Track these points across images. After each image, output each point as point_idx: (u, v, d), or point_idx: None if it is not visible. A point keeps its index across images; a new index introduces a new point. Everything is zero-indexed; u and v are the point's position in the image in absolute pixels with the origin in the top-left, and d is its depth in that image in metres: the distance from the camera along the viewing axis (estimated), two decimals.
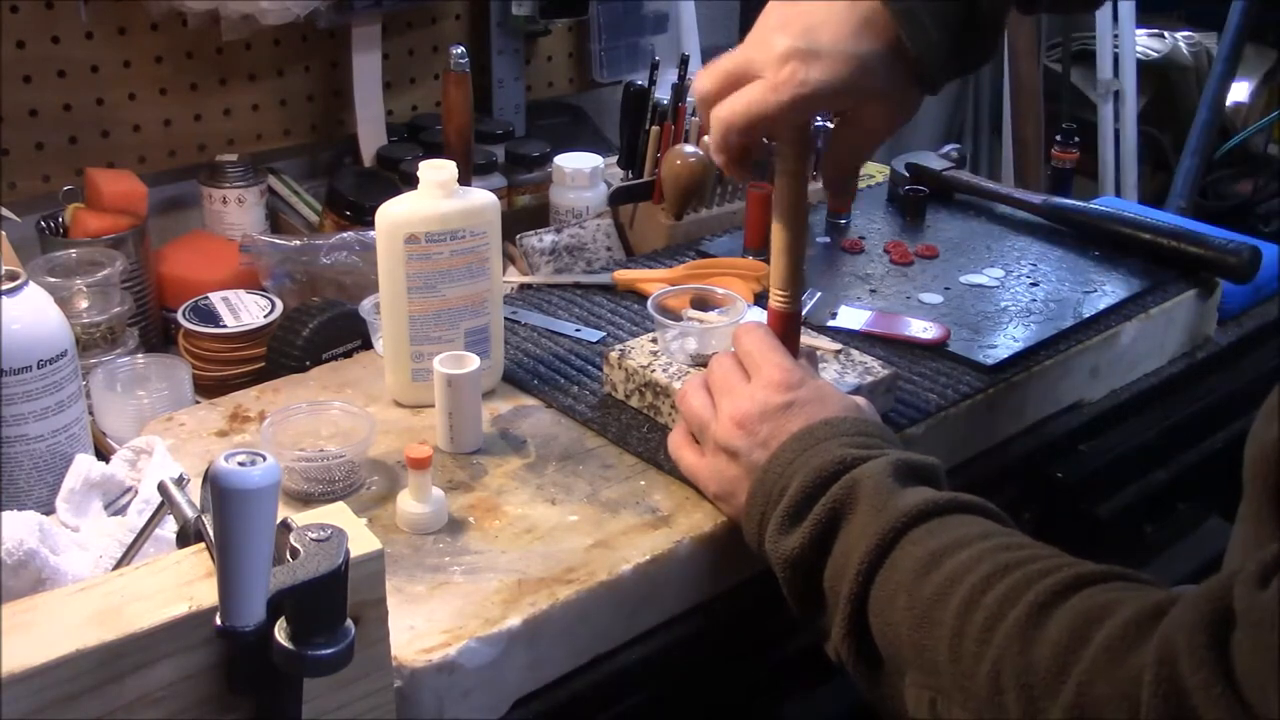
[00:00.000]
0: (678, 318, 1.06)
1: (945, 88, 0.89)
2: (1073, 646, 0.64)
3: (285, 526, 0.63)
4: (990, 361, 1.11)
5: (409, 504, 0.88)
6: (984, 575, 0.71)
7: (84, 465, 0.85)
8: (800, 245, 0.93)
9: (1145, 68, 2.77)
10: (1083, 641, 0.64)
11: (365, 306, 1.10)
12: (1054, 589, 0.68)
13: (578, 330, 1.17)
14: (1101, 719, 0.62)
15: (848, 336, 1.14)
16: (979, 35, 0.87)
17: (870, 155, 0.96)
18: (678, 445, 0.95)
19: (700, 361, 1.03)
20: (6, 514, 0.75)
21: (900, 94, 0.87)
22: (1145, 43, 2.86)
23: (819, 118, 0.97)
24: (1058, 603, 0.67)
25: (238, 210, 1.45)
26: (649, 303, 1.05)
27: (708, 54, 1.89)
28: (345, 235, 1.30)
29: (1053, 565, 0.70)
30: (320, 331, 1.12)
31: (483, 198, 1.01)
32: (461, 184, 1.00)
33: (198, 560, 0.65)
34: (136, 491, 0.83)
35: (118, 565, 0.76)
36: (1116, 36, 2.64)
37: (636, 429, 1.01)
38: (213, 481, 0.57)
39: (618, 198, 1.40)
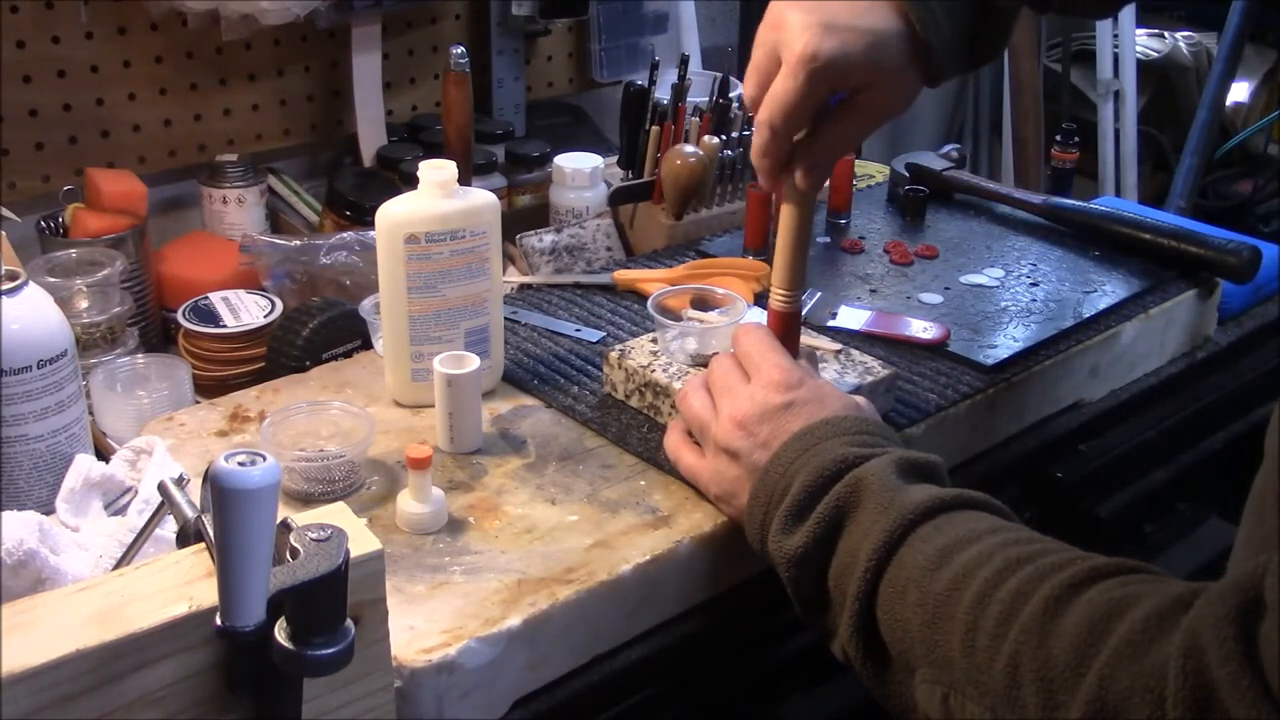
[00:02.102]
0: (678, 318, 1.06)
1: (945, 87, 0.90)
2: (1092, 639, 0.64)
3: (285, 526, 0.63)
4: (990, 361, 1.11)
5: (409, 504, 0.88)
6: (996, 570, 0.71)
7: (84, 465, 0.85)
8: (801, 245, 0.93)
9: (1145, 68, 2.78)
10: (1103, 634, 0.64)
11: (365, 306, 1.10)
12: (1069, 582, 0.68)
13: (578, 330, 1.17)
14: (1124, 711, 0.62)
15: (848, 336, 1.14)
16: (989, 30, 0.87)
17: (859, 142, 0.96)
18: (676, 446, 0.95)
19: (700, 361, 1.03)
20: (6, 514, 0.75)
21: (906, 77, 0.88)
22: (1145, 43, 2.86)
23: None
24: (1074, 596, 0.67)
25: (238, 210, 1.45)
26: (649, 303, 1.05)
27: (708, 54, 1.89)
28: (345, 235, 1.30)
29: (1066, 559, 0.70)
30: (320, 331, 1.12)
31: (483, 198, 1.01)
32: (461, 184, 1.00)
33: (198, 560, 0.65)
34: (136, 491, 0.83)
35: (118, 565, 0.76)
36: (1116, 36, 2.65)
37: (636, 429, 1.01)
38: (213, 481, 0.57)
39: (618, 198, 1.40)
